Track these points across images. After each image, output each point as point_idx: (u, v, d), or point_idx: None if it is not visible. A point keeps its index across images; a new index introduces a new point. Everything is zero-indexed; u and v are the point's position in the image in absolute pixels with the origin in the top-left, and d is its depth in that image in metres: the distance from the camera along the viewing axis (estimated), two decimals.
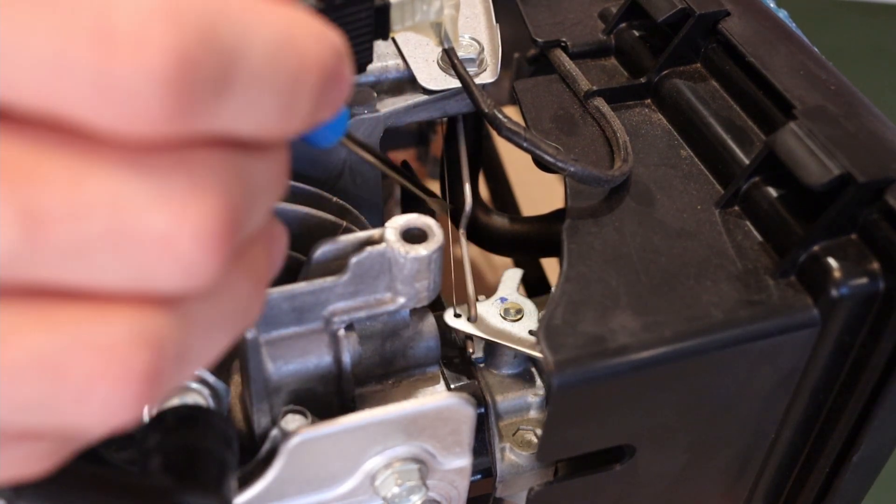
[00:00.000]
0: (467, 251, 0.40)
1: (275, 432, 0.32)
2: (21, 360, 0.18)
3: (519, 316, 0.37)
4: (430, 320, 0.36)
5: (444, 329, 0.38)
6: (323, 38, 0.20)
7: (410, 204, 0.47)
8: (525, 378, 0.38)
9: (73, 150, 0.18)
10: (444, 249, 0.32)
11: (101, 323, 0.19)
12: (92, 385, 0.19)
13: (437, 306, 0.39)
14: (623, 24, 0.42)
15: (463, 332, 0.37)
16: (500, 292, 0.38)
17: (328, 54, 0.20)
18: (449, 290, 0.40)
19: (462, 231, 0.42)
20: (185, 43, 0.17)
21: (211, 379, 0.32)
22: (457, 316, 0.37)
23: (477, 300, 0.38)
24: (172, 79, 0.17)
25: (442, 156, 0.47)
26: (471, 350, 0.38)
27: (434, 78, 0.40)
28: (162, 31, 0.17)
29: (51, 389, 0.18)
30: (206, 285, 0.19)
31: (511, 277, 0.39)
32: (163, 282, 0.19)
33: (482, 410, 0.37)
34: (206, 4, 0.18)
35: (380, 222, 0.34)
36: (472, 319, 0.37)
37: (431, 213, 0.44)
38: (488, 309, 0.38)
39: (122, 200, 0.18)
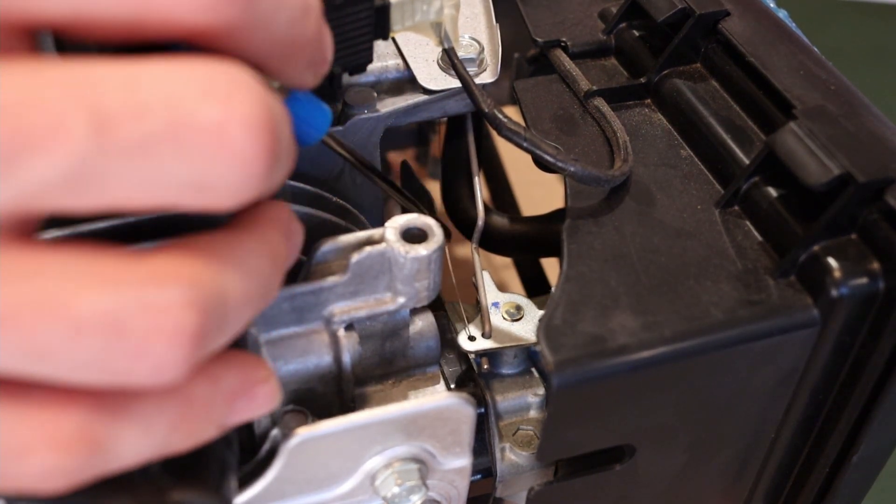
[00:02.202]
0: (480, 268, 0.39)
1: (275, 432, 0.32)
2: (87, 317, 0.19)
3: (521, 314, 0.37)
4: (430, 320, 0.36)
5: (444, 329, 0.38)
6: None
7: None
8: (525, 378, 0.38)
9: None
10: (443, 250, 0.32)
11: (160, 286, 0.20)
12: (148, 343, 0.20)
13: (437, 306, 0.39)
14: (623, 24, 0.42)
15: (483, 352, 0.37)
16: (489, 298, 0.38)
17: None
18: (452, 296, 0.40)
19: (474, 245, 0.41)
20: None
21: None
22: (471, 339, 0.37)
23: (467, 315, 0.38)
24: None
25: (443, 156, 0.47)
26: (486, 366, 0.38)
27: (434, 78, 0.40)
28: None
29: (111, 346, 0.19)
30: (260, 180, 0.21)
31: (486, 281, 0.39)
32: (220, 176, 0.20)
33: (482, 410, 0.37)
34: None
35: (380, 222, 0.34)
36: (487, 335, 0.37)
37: (430, 212, 0.44)
38: (492, 318, 0.37)
39: (176, 95, 0.19)
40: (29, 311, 0.19)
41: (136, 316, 0.19)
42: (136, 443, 0.22)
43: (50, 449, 0.20)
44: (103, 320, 0.19)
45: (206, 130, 0.19)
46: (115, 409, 0.21)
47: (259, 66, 0.23)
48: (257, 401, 0.25)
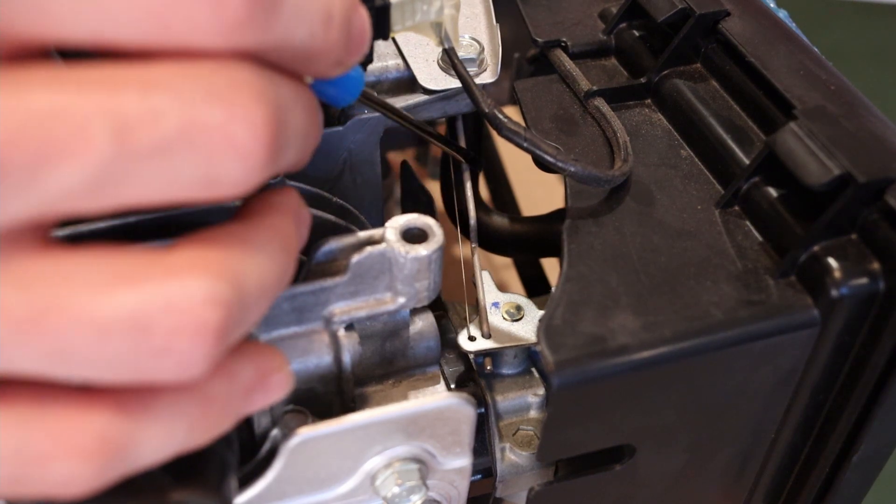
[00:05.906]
0: (480, 268, 0.39)
1: (275, 432, 0.32)
2: (114, 316, 0.20)
3: (521, 314, 0.37)
4: (431, 320, 0.36)
5: (444, 329, 0.38)
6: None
7: (410, 204, 0.47)
8: (525, 378, 0.38)
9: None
10: (444, 250, 0.32)
11: (182, 283, 0.20)
12: (173, 340, 0.20)
13: (437, 306, 0.39)
14: (623, 24, 0.42)
15: (483, 352, 0.37)
16: (489, 298, 0.38)
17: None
18: (452, 296, 0.40)
19: (473, 245, 0.41)
20: None
21: None
22: (471, 339, 0.37)
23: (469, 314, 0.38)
24: None
25: (442, 156, 0.47)
26: (489, 367, 0.38)
27: (434, 78, 0.40)
28: None
29: (136, 345, 0.20)
30: (263, 169, 0.21)
31: (486, 281, 0.39)
32: (226, 172, 0.21)
33: (482, 410, 0.37)
34: None
35: (380, 222, 0.34)
36: (487, 335, 0.37)
37: (430, 212, 0.44)
38: (492, 318, 0.37)
39: (185, 98, 0.20)
40: (54, 315, 0.19)
41: (160, 315, 0.20)
42: (157, 444, 0.22)
43: (71, 456, 0.20)
44: (128, 321, 0.20)
45: (213, 131, 0.20)
46: (137, 412, 0.22)
47: (279, 67, 0.23)
48: (272, 390, 0.26)
